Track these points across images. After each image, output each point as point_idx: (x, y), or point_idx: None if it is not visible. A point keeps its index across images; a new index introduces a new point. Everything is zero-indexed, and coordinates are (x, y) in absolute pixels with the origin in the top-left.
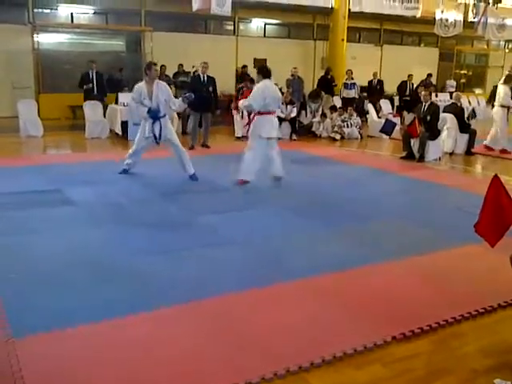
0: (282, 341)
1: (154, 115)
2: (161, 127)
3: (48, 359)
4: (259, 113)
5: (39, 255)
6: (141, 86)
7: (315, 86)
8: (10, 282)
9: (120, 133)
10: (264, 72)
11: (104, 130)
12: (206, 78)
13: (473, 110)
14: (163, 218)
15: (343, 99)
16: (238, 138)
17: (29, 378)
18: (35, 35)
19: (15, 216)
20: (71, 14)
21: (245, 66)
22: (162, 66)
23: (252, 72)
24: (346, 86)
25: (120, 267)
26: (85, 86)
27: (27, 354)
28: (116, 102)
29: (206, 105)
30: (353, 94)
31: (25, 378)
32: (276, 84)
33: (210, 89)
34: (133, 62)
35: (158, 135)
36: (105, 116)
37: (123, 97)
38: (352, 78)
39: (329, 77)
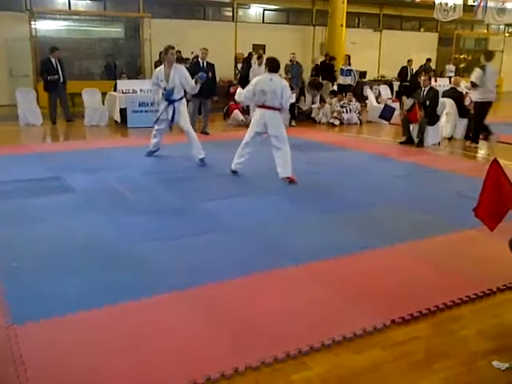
0: (281, 325)
1: (168, 96)
2: (174, 111)
3: (49, 345)
4: (257, 105)
5: (39, 242)
6: (160, 69)
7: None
8: (12, 269)
9: (119, 120)
10: (269, 65)
11: (103, 118)
12: (205, 64)
13: None
14: (163, 204)
15: (339, 86)
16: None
17: (30, 364)
18: (33, 22)
19: (15, 204)
20: (69, 0)
21: (249, 54)
22: (161, 52)
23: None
24: (342, 72)
25: (120, 254)
26: (49, 77)
27: (28, 340)
28: (115, 90)
29: (206, 91)
30: (349, 80)
31: (26, 364)
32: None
33: (210, 75)
34: (131, 48)
35: (170, 118)
36: (103, 103)
37: (122, 84)
38: (349, 64)
39: (327, 61)
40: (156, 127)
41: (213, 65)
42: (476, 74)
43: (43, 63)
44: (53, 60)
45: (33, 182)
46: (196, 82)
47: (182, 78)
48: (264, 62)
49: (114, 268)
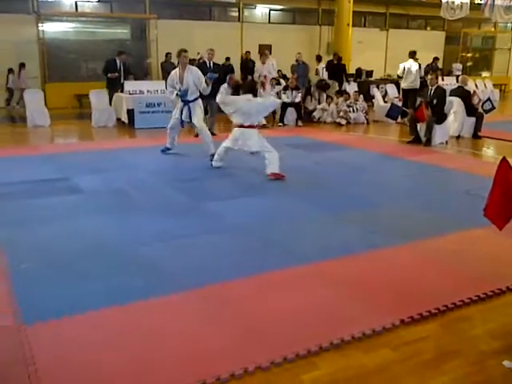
0: (290, 325)
1: (183, 97)
2: (189, 111)
3: (59, 345)
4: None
5: (48, 243)
6: (175, 71)
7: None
8: (21, 270)
9: (126, 121)
10: (248, 88)
11: (110, 119)
12: (212, 65)
13: (489, 99)
14: (169, 205)
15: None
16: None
17: (41, 364)
18: (40, 24)
19: (24, 205)
20: (75, 2)
21: (247, 52)
22: (168, 53)
23: (258, 57)
24: None
25: (128, 254)
26: (109, 75)
27: (39, 340)
28: (122, 91)
29: (212, 92)
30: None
31: (37, 364)
32: (275, 79)
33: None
34: (138, 49)
35: (185, 118)
36: (111, 104)
37: (129, 85)
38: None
39: (335, 61)
40: (169, 126)
41: (219, 65)
42: (402, 67)
43: (108, 62)
44: (118, 61)
45: (41, 183)
46: (206, 83)
47: (195, 79)
48: (267, 60)
49: (121, 268)
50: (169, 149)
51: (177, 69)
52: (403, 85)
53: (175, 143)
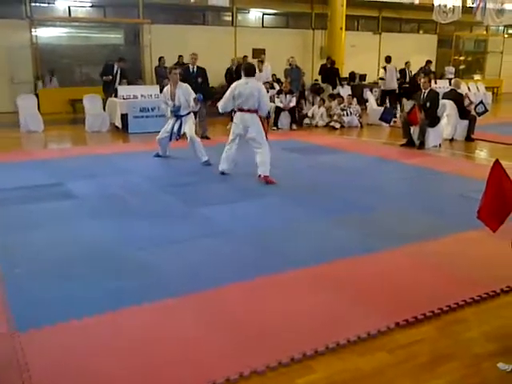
0: (285, 329)
1: (176, 113)
2: (181, 124)
3: (53, 352)
4: (237, 109)
5: (42, 249)
6: (167, 88)
7: (315, 76)
8: (15, 276)
9: (120, 126)
10: (244, 70)
11: (104, 124)
12: (195, 69)
13: (481, 102)
14: (163, 209)
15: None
16: None
17: (35, 370)
18: (33, 29)
19: (17, 210)
20: (69, 7)
21: (245, 57)
22: (161, 57)
23: (252, 62)
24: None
25: (122, 259)
26: (104, 77)
27: (33, 347)
28: (115, 95)
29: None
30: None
31: (31, 371)
32: (269, 83)
33: (200, 80)
34: (131, 54)
35: (176, 132)
36: (104, 109)
37: (123, 90)
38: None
39: (329, 65)
40: (157, 137)
41: (204, 69)
42: (382, 71)
43: (106, 66)
44: (115, 66)
45: (34, 189)
46: (195, 102)
47: (186, 96)
48: (262, 67)
49: (116, 273)
50: (160, 155)
51: (168, 85)
52: (383, 87)
53: (167, 153)
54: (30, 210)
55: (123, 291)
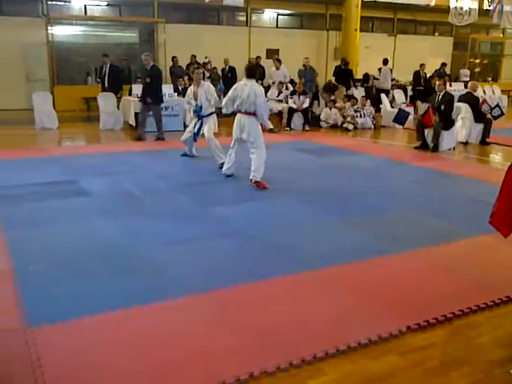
0: (296, 331)
1: (197, 112)
2: (201, 125)
3: (66, 348)
4: (237, 111)
5: (55, 245)
6: (191, 88)
7: (329, 77)
8: (28, 272)
9: (134, 124)
10: (245, 71)
11: (118, 122)
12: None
13: (497, 106)
14: (176, 209)
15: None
16: None
17: (47, 366)
18: (49, 27)
19: (31, 207)
20: (84, 6)
21: (258, 57)
22: (174, 57)
23: (265, 62)
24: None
25: (135, 257)
26: (97, 79)
27: (45, 342)
28: (129, 94)
29: (147, 97)
30: None
31: (43, 367)
32: (282, 83)
33: (148, 80)
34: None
35: (196, 132)
36: (118, 107)
37: (137, 88)
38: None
39: (343, 67)
40: (182, 138)
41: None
42: (378, 73)
43: (100, 67)
44: (104, 66)
45: (48, 186)
46: (218, 96)
47: (207, 94)
48: (279, 65)
49: (128, 271)
50: (188, 155)
51: (192, 85)
52: (378, 86)
53: (194, 152)
54: (43, 206)
55: (136, 289)
